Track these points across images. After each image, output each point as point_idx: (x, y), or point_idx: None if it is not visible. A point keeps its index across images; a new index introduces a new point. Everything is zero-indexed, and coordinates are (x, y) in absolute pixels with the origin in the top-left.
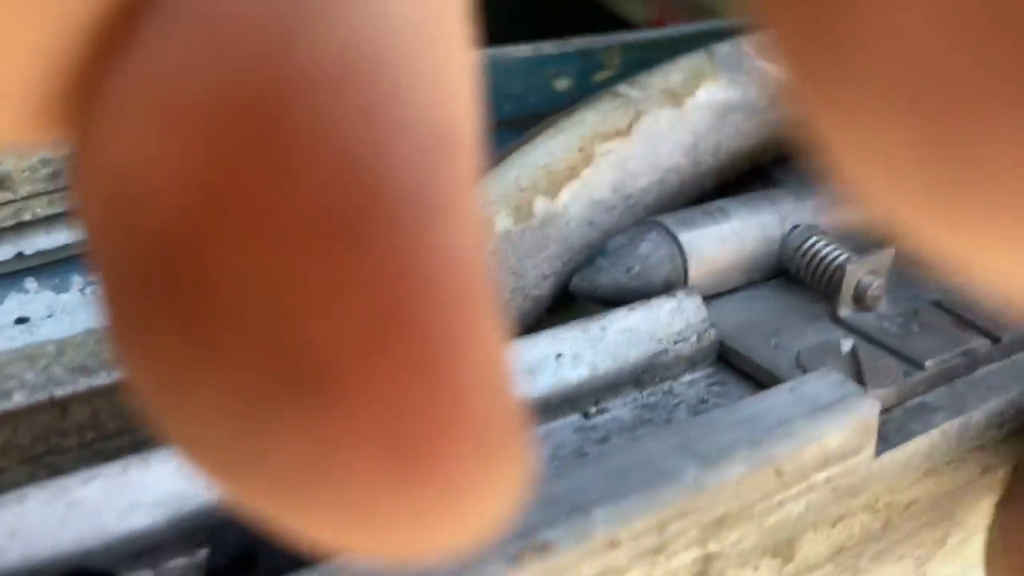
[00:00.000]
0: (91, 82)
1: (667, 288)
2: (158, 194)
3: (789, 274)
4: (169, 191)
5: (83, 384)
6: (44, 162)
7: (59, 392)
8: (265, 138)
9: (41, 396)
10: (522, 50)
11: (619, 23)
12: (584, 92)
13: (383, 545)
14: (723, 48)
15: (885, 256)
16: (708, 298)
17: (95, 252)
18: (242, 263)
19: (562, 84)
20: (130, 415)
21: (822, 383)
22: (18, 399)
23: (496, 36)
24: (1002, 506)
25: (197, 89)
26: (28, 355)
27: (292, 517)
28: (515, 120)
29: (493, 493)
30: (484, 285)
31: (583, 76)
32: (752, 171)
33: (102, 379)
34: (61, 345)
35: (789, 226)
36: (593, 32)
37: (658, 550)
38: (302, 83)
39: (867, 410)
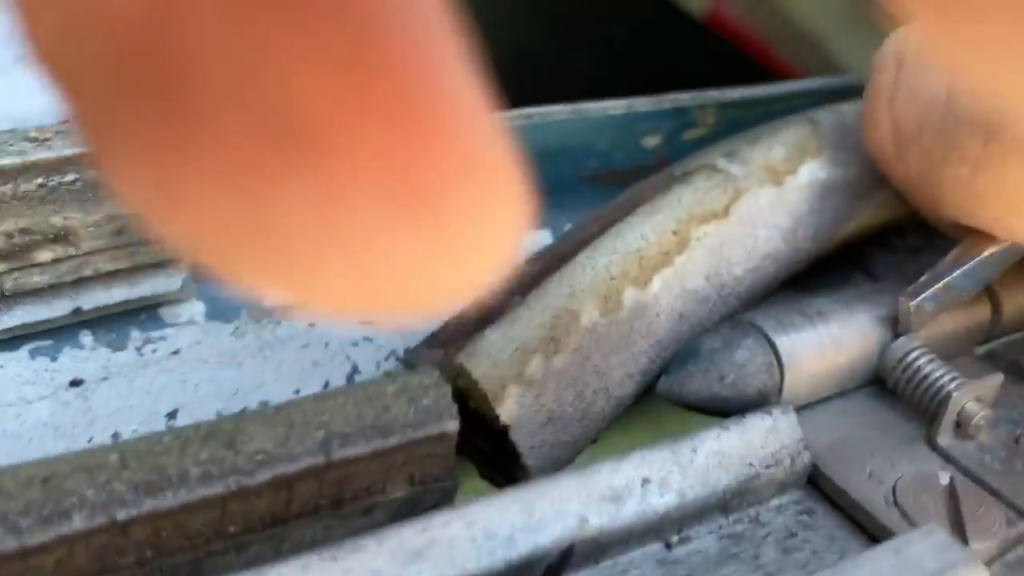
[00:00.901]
0: None
1: (760, 398)
2: None
3: (885, 383)
4: None
5: (147, 506)
6: (110, 218)
7: (121, 514)
8: None
9: (102, 519)
10: (615, 106)
11: (675, 13)
12: (673, 150)
13: (396, 299)
14: (827, 118)
15: (992, 382)
16: (799, 408)
17: (53, 58)
18: (217, 36)
19: (651, 141)
20: (192, 532)
21: (927, 544)
22: (77, 522)
23: (555, 30)
24: None
25: None
26: (89, 467)
27: (301, 282)
28: (599, 176)
29: (493, 227)
30: (450, 35)
31: (674, 134)
32: (845, 252)
33: (167, 500)
34: (124, 455)
35: (888, 332)
36: (652, 31)
37: None
38: None
39: None
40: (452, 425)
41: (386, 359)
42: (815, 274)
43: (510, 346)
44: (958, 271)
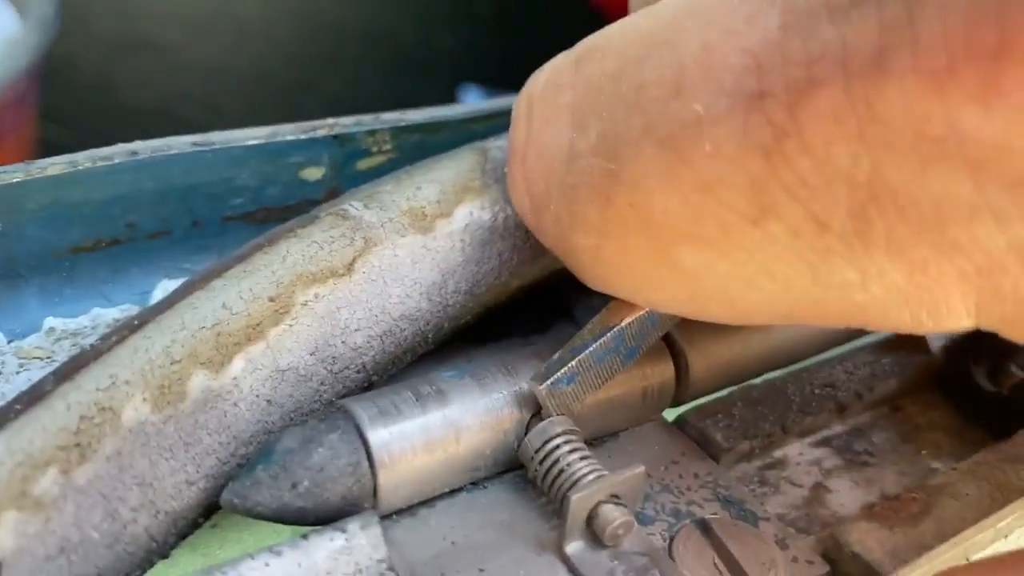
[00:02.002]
0: None
1: (347, 506)
2: None
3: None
4: None
5: None
6: None
7: None
8: None
9: None
10: (252, 136)
11: None
12: (347, 181)
13: None
14: (504, 146)
15: (633, 478)
16: (407, 509)
17: None
18: None
19: (314, 173)
20: None
21: None
22: None
23: None
24: None
25: None
26: None
27: None
28: (252, 214)
29: None
30: None
31: (342, 164)
32: (548, 292)
33: None
34: None
35: (528, 411)
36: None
37: None
38: None
39: None
40: None
41: None
42: (513, 323)
43: (13, 459)
44: (595, 345)
